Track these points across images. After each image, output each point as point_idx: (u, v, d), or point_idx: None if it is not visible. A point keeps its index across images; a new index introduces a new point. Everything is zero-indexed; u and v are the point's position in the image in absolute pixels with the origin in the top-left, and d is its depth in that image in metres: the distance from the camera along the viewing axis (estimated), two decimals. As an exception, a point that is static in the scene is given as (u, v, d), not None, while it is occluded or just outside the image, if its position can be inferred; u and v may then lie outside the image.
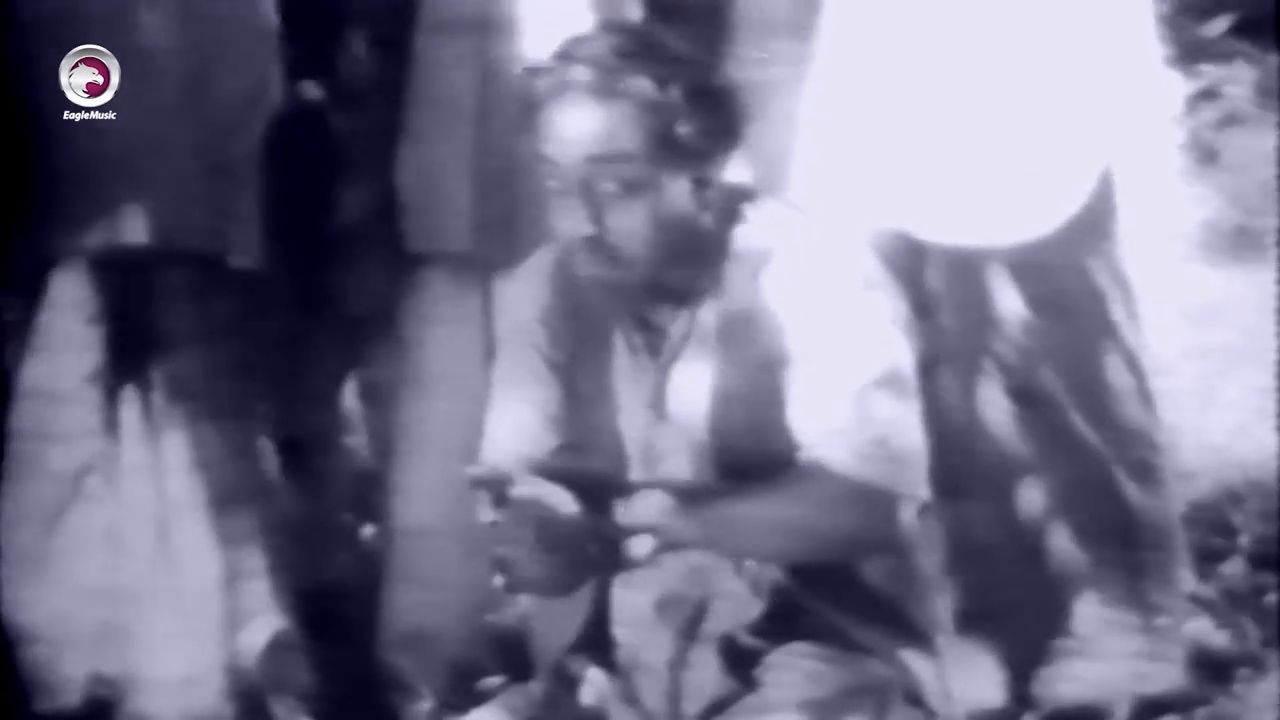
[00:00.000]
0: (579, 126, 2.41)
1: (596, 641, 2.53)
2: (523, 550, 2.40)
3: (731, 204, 2.50)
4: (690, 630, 2.48)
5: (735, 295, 2.48)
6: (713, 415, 2.48)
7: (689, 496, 2.41)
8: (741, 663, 2.48)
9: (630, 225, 2.42)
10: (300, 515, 3.51)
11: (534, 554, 2.40)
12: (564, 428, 2.56)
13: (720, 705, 2.47)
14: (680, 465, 2.49)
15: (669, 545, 2.41)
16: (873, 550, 2.47)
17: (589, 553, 2.39)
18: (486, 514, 2.42)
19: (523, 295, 2.60)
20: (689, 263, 2.48)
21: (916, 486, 2.43)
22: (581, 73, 2.42)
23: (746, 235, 2.49)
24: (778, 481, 2.41)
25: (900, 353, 2.45)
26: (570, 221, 2.43)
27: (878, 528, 2.41)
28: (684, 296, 2.49)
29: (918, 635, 2.52)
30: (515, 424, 2.57)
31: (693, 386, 2.49)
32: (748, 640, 2.48)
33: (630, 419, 2.52)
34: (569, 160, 2.41)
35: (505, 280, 2.67)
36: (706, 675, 2.48)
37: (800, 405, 2.42)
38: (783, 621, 2.48)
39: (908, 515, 2.42)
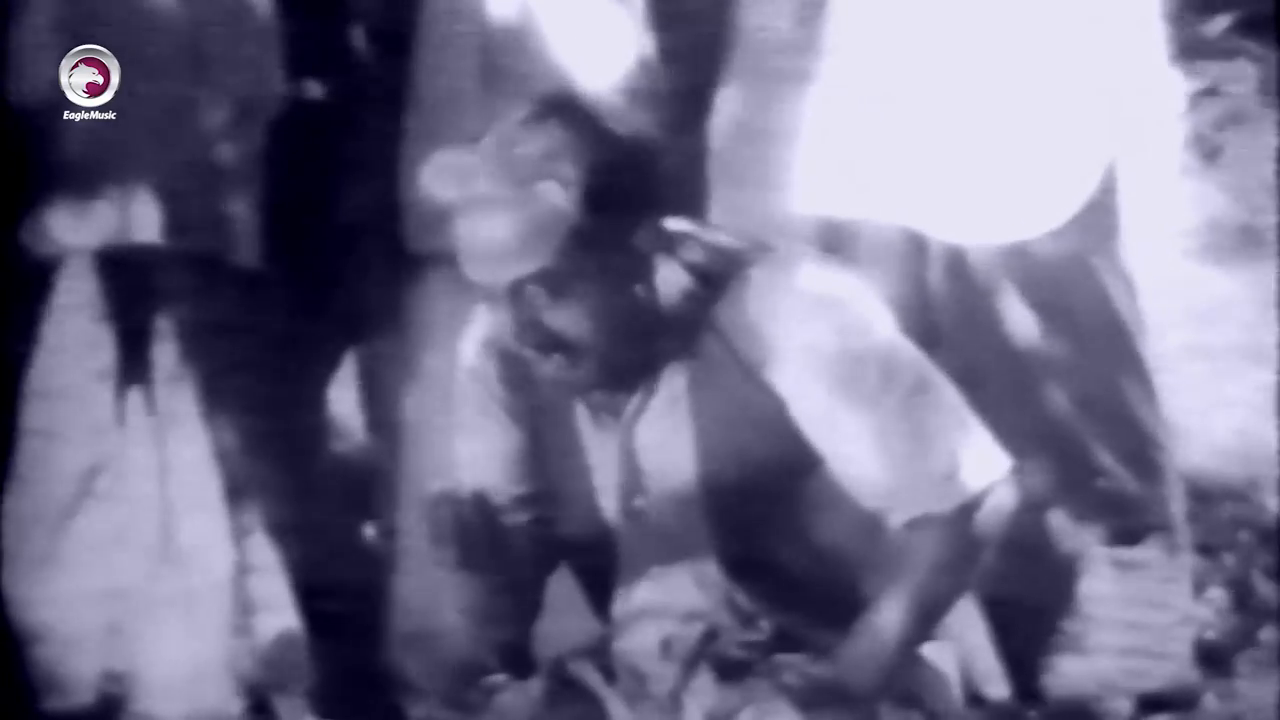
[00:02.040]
0: (493, 239, 2.37)
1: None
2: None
3: (670, 271, 2.46)
4: (694, 662, 2.48)
5: (698, 349, 2.46)
6: (699, 463, 2.46)
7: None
8: (734, 672, 2.48)
9: (570, 323, 2.39)
10: (303, 514, 3.52)
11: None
12: (532, 478, 2.55)
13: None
14: (661, 518, 2.48)
15: None
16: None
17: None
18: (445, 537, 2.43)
19: (480, 341, 2.58)
20: (637, 339, 2.45)
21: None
22: (484, 186, 2.37)
23: (693, 288, 2.46)
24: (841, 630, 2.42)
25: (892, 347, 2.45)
26: (509, 327, 2.41)
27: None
28: (638, 370, 2.47)
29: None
30: (480, 471, 2.56)
31: (667, 440, 2.47)
32: (739, 653, 2.48)
33: (602, 473, 2.51)
34: (492, 276, 2.38)
35: (465, 326, 2.65)
36: (705, 694, 2.48)
37: (806, 425, 2.41)
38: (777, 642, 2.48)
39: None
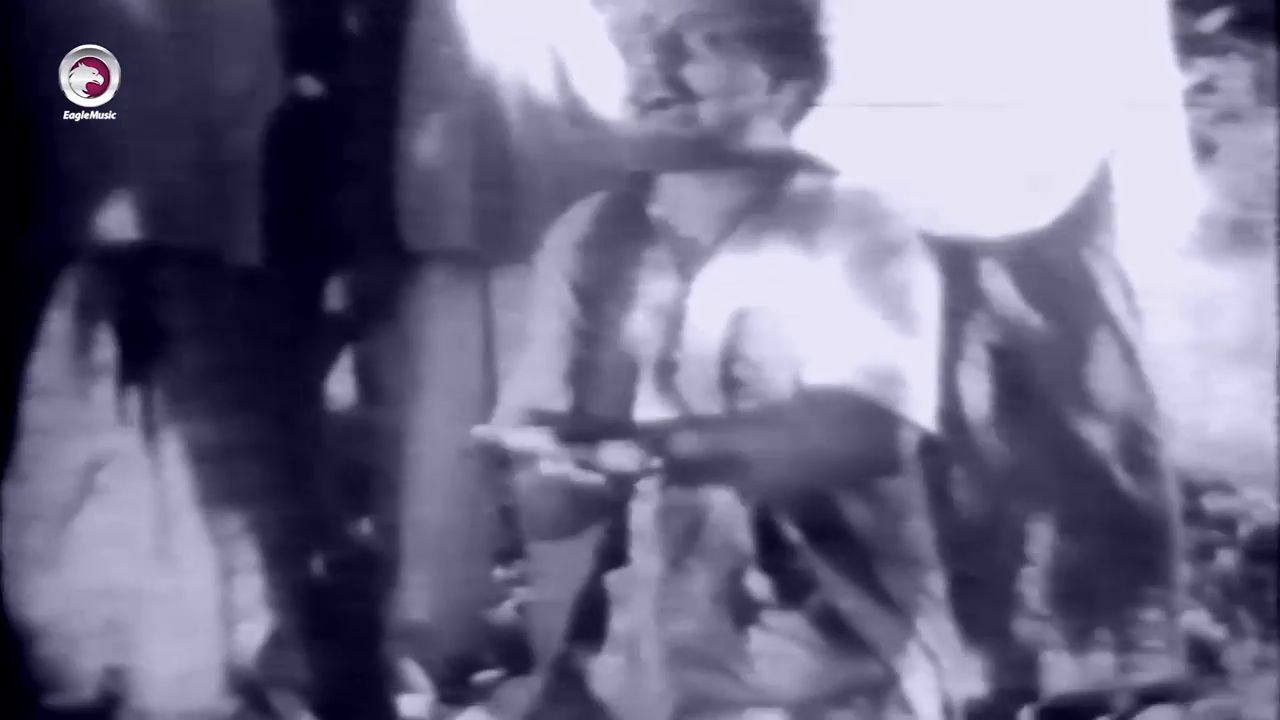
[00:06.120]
0: None
1: (593, 626, 2.53)
2: (530, 495, 2.42)
3: (798, 108, 2.54)
4: (688, 539, 2.47)
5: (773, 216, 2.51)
6: (730, 336, 2.48)
7: (695, 428, 2.41)
8: (741, 609, 2.47)
9: (700, 73, 2.47)
10: (299, 511, 3.53)
11: (541, 497, 2.41)
12: (578, 363, 2.55)
13: (705, 655, 2.47)
14: (695, 395, 2.48)
15: (677, 478, 2.40)
16: (875, 472, 2.44)
17: (598, 493, 2.37)
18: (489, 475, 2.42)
19: (566, 227, 2.61)
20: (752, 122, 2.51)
21: (922, 416, 2.42)
22: None
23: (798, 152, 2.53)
24: (781, 407, 2.41)
25: (925, 305, 2.48)
26: (644, 79, 2.47)
27: (879, 447, 2.40)
28: (723, 205, 2.51)
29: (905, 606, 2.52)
30: (534, 366, 2.57)
31: (712, 313, 2.48)
32: (751, 585, 2.47)
33: (646, 340, 2.51)
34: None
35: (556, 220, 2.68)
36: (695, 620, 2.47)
37: (813, 326, 2.42)
38: (785, 574, 2.47)
39: (909, 441, 2.41)
